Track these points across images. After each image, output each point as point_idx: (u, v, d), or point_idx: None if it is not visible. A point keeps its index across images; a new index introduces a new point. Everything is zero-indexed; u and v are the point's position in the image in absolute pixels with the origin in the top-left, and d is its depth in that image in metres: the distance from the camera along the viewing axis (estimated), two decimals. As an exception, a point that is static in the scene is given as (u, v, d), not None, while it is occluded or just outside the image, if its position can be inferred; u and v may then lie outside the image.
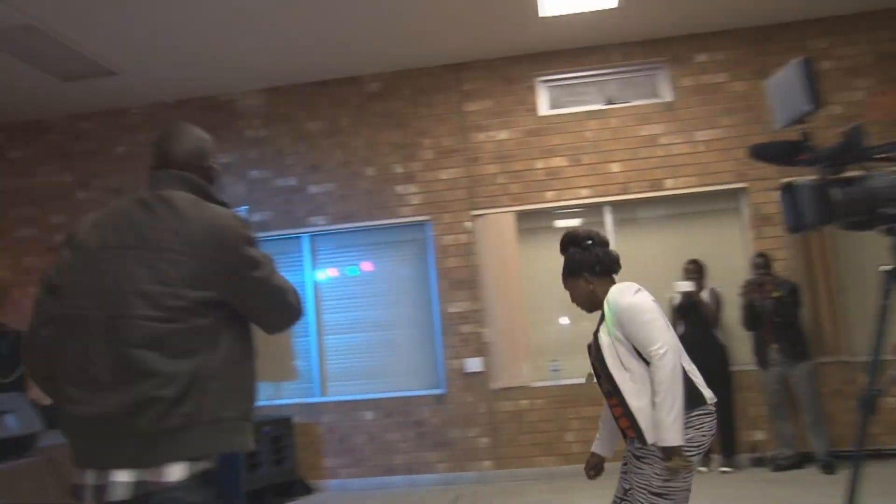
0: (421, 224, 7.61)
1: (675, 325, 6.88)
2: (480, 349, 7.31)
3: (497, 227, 7.38)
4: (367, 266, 7.77)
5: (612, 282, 3.20)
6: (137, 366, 2.03)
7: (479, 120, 7.55)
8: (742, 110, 7.19)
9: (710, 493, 5.92)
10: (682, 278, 6.83)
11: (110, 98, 7.87)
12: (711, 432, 2.99)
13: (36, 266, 8.17)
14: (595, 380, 3.17)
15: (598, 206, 7.39)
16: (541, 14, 6.58)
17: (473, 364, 7.28)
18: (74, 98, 7.77)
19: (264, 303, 2.27)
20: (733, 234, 7.31)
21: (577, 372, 7.26)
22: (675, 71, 7.35)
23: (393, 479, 7.31)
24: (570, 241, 3.25)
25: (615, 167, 7.31)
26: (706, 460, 6.75)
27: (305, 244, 7.76)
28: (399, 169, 7.61)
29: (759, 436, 6.89)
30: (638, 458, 2.97)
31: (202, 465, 2.08)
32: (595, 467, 3.32)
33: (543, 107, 7.53)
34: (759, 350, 6.62)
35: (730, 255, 7.24)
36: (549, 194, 7.39)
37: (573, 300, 3.26)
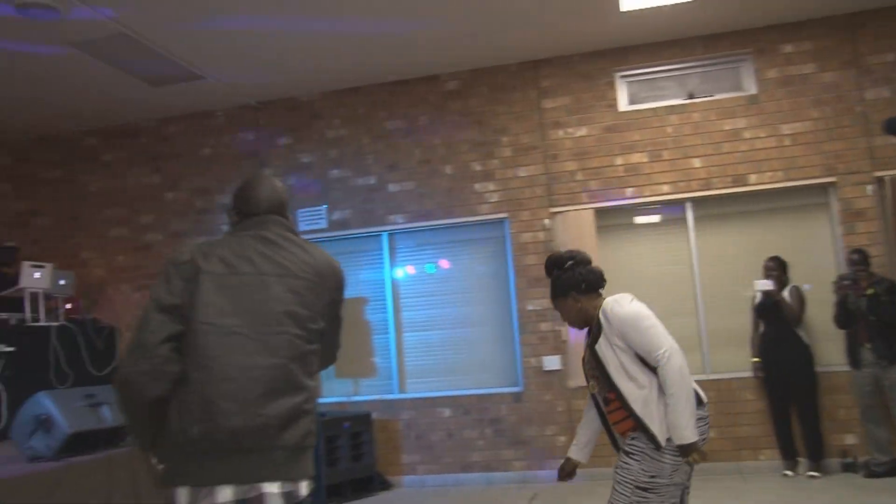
0: (499, 222, 7.61)
1: (755, 325, 6.76)
2: (559, 347, 7.26)
3: (576, 224, 7.32)
4: (444, 263, 7.81)
5: (600, 297, 3.34)
6: (294, 380, 2.26)
7: (558, 117, 7.50)
8: (831, 102, 6.94)
9: (802, 499, 5.73)
10: (763, 276, 6.64)
11: (196, 101, 8.13)
12: (704, 436, 3.10)
13: (127, 265, 8.50)
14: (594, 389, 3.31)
15: (679, 202, 7.25)
16: (622, 8, 6.49)
17: (552, 362, 7.24)
18: (162, 102, 8.06)
19: (336, 340, 2.58)
20: (821, 231, 7.06)
21: (658, 371, 7.13)
22: (759, 63, 7.14)
23: (470, 476, 7.32)
24: (553, 265, 3.40)
25: (697, 162, 7.16)
26: (793, 464, 6.55)
27: (384, 242, 7.85)
28: (477, 167, 7.63)
29: (850, 440, 6.64)
30: (627, 453, 3.10)
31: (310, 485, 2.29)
32: (571, 472, 3.46)
33: (623, 102, 7.43)
34: (851, 349, 6.38)
35: (817, 252, 7.01)
36: (629, 191, 7.29)
37: (564, 319, 3.41)
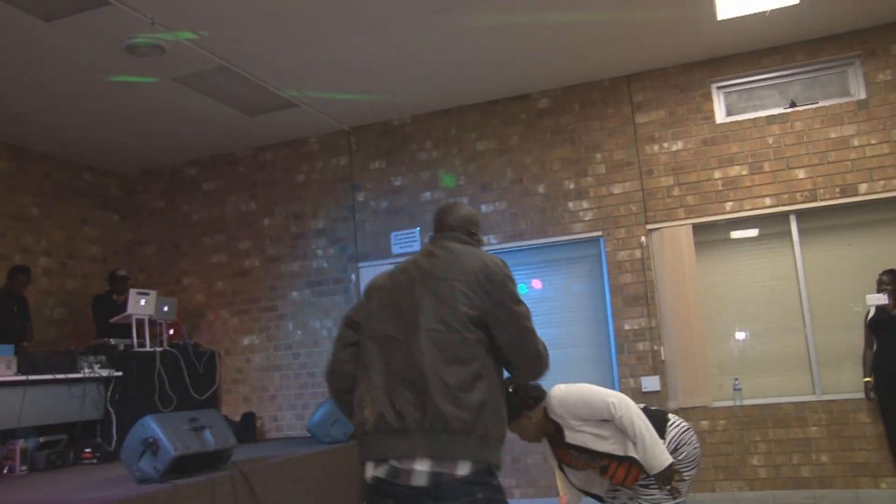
0: (594, 240, 7.47)
1: (868, 342, 6.37)
2: (657, 367, 7.04)
3: (673, 240, 7.11)
4: (538, 284, 7.70)
5: (543, 403, 3.54)
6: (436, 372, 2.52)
7: (652, 131, 7.33)
8: (948, 104, 6.55)
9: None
10: (876, 291, 6.26)
11: (290, 129, 8.31)
12: (697, 442, 3.68)
13: (226, 290, 8.72)
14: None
15: (783, 215, 6.95)
16: (719, 17, 6.30)
17: (650, 383, 7.02)
18: (259, 131, 8.28)
19: (517, 340, 2.64)
20: (940, 242, 6.65)
21: (762, 391, 6.85)
22: (868, 66, 6.80)
23: (570, 501, 7.14)
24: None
25: (801, 173, 6.85)
26: None
27: (477, 263, 7.79)
28: (570, 185, 7.51)
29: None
30: (645, 486, 3.48)
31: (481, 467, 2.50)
32: None
33: (720, 114, 7.20)
34: None
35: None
36: (728, 205, 7.03)
37: (524, 438, 3.59)
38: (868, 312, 6.37)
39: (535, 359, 2.72)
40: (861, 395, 6.44)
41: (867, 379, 6.38)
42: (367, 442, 2.56)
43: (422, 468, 2.46)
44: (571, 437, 3.44)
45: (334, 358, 2.78)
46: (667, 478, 3.33)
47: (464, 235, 2.87)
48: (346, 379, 2.72)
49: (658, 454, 3.33)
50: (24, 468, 6.19)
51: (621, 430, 3.37)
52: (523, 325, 2.65)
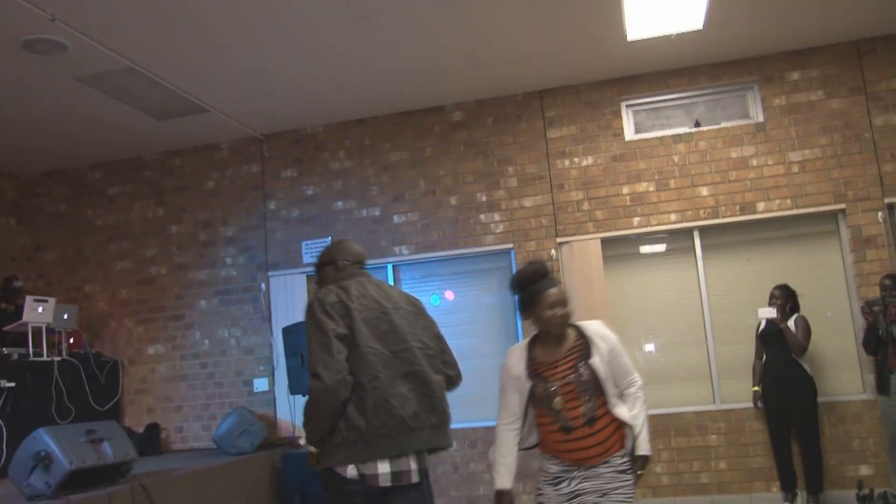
0: (505, 252, 7.55)
1: (759, 354, 6.64)
2: (567, 379, 7.15)
3: (582, 254, 7.26)
4: (450, 295, 7.74)
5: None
6: (431, 381, 3.22)
7: (564, 146, 7.48)
8: (840, 128, 6.90)
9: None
10: (768, 304, 6.51)
11: (200, 134, 8.13)
12: None
13: (131, 298, 8.45)
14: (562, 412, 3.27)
15: (687, 230, 7.20)
16: (629, 38, 6.49)
17: (560, 394, 7.13)
18: (167, 136, 8.07)
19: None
20: (831, 258, 6.98)
21: (667, 401, 7.04)
22: (766, 90, 7.12)
23: (479, 511, 7.19)
24: (548, 272, 3.37)
25: (704, 191, 7.11)
26: (792, 496, 6.40)
27: (389, 274, 7.79)
28: (482, 197, 7.59)
29: (865, 470, 6.50)
30: (622, 471, 3.25)
31: None
32: None
33: (629, 131, 7.41)
34: (880, 376, 6.15)
35: (827, 279, 6.93)
36: (636, 220, 7.23)
37: (566, 320, 3.32)
38: (759, 325, 6.62)
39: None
40: (754, 403, 6.71)
41: (755, 388, 6.64)
42: (393, 436, 3.03)
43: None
44: (598, 365, 3.22)
45: (343, 368, 3.01)
46: (645, 464, 3.27)
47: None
48: (350, 385, 3.03)
49: (649, 439, 3.27)
50: None
51: (629, 405, 3.26)
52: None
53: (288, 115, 7.79)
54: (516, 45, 6.56)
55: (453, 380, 3.47)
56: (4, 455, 6.28)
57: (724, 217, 7.05)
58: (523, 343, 3.44)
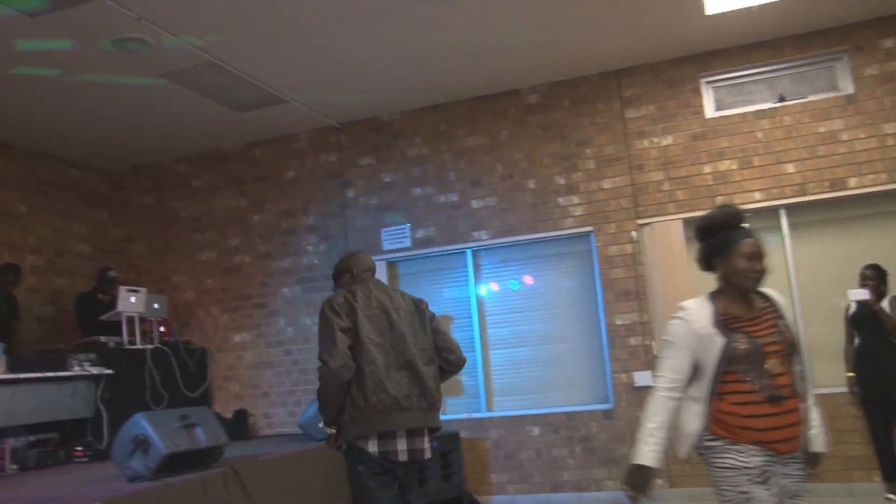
0: (584, 235, 7.47)
1: (849, 337, 6.36)
2: (650, 362, 7.05)
3: (664, 235, 7.12)
4: (529, 279, 7.71)
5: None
6: (421, 369, 3.77)
7: (642, 126, 7.34)
8: (937, 98, 6.58)
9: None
10: (859, 286, 6.18)
11: (279, 125, 8.28)
12: None
13: (216, 287, 8.69)
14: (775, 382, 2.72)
15: (773, 209, 6.97)
16: (707, 12, 6.31)
17: (643, 378, 7.03)
18: (248, 127, 8.24)
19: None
20: (928, 235, 6.68)
21: (756, 386, 6.85)
22: (856, 60, 6.82)
23: (560, 496, 7.16)
24: (744, 218, 2.96)
25: (790, 168, 6.88)
26: (894, 488, 6.13)
27: (468, 259, 7.81)
28: (560, 180, 7.52)
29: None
30: (803, 469, 2.80)
31: None
32: (651, 486, 2.87)
33: (710, 109, 7.22)
34: None
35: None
36: (719, 199, 7.05)
37: (763, 276, 2.89)
38: (849, 307, 6.32)
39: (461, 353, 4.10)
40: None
41: (849, 374, 6.36)
42: (386, 415, 3.59)
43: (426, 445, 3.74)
44: (786, 324, 2.83)
45: (346, 355, 3.59)
46: (818, 464, 2.87)
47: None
48: (352, 370, 3.61)
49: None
50: (14, 467, 6.17)
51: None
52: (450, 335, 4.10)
53: (364, 103, 7.86)
54: (591, 25, 6.46)
55: (452, 363, 3.99)
56: (105, 438, 6.56)
57: (812, 194, 6.81)
58: (701, 297, 2.95)
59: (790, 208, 6.96)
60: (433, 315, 4.01)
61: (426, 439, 3.73)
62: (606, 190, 7.37)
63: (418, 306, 3.96)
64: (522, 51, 6.89)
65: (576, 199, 7.46)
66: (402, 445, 3.63)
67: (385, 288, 3.96)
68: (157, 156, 9.01)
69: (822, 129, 6.83)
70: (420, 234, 7.92)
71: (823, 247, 6.93)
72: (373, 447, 3.60)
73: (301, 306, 8.30)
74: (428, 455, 3.73)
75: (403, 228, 7.96)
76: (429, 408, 3.73)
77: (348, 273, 4.02)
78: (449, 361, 3.97)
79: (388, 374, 3.64)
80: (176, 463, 5.00)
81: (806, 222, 6.98)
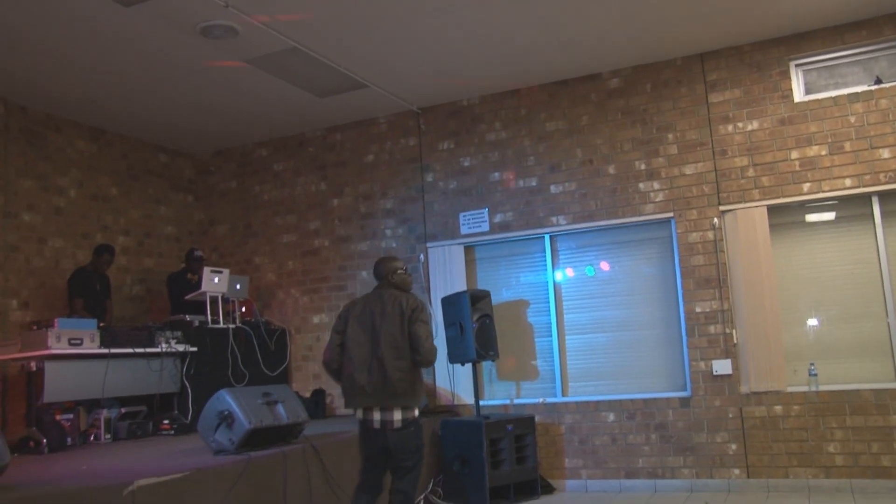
0: (665, 221, 7.35)
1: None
2: (729, 351, 6.92)
3: (747, 222, 6.95)
4: (605, 266, 7.63)
5: None
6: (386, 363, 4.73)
7: (727, 111, 7.16)
8: None
9: None
10: None
11: (360, 110, 8.38)
12: None
13: (296, 269, 8.87)
14: None
15: (864, 196, 6.73)
16: (798, -10, 6.12)
17: (722, 366, 6.91)
18: (328, 112, 8.36)
19: (419, 341, 4.80)
20: None
21: (839, 377, 6.67)
22: (961, 40, 6.51)
23: (635, 482, 7.11)
24: None
25: (885, 153, 6.62)
26: None
27: (546, 244, 7.77)
28: (641, 166, 7.41)
29: None
30: None
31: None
32: None
33: (799, 92, 7.00)
34: None
35: None
36: (806, 186, 6.84)
37: None
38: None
39: (428, 353, 4.78)
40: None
41: None
42: (357, 396, 4.75)
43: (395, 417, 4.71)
44: None
45: (333, 351, 4.89)
46: None
47: (392, 281, 4.97)
48: (336, 363, 4.87)
49: None
50: (108, 436, 6.46)
51: None
52: (423, 337, 4.76)
53: (444, 88, 7.89)
54: (674, 7, 6.32)
55: (419, 362, 4.77)
56: (191, 413, 6.80)
57: (907, 181, 6.54)
58: None
59: (883, 195, 6.70)
60: (414, 320, 4.78)
61: (397, 413, 4.69)
62: (688, 176, 7.23)
63: (403, 313, 4.78)
64: (604, 35, 6.80)
65: (656, 185, 7.34)
66: (377, 416, 4.71)
67: (384, 295, 4.89)
68: (241, 140, 9.23)
69: (920, 113, 6.55)
70: (498, 218, 7.93)
71: (918, 236, 6.66)
72: (358, 415, 4.80)
73: (378, 289, 8.39)
74: (397, 426, 4.69)
75: (482, 213, 7.97)
76: (387, 393, 4.68)
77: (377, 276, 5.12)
78: (417, 360, 4.76)
79: (359, 367, 4.72)
80: (258, 438, 5.16)
81: (900, 210, 6.72)
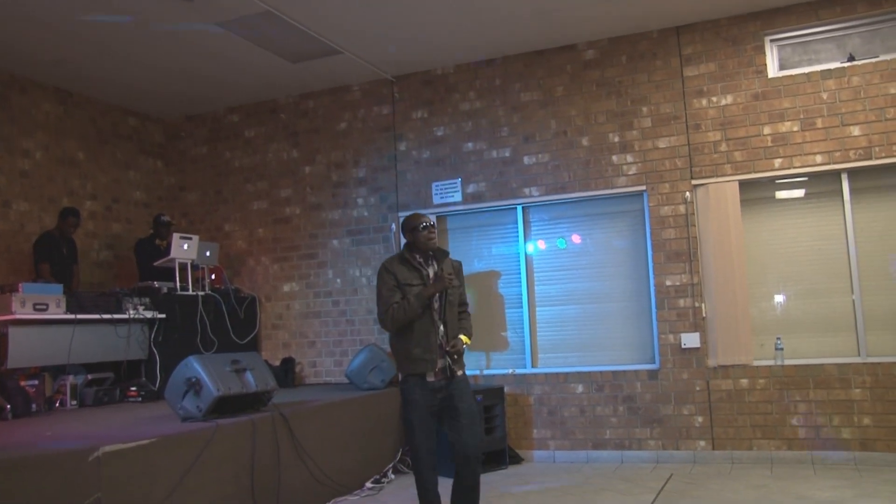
0: (637, 195, 7.37)
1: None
2: (697, 324, 6.99)
3: (718, 197, 6.99)
4: (577, 238, 7.64)
5: None
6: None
7: (701, 85, 7.16)
8: None
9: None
10: None
11: (333, 77, 8.26)
12: None
13: (267, 237, 8.79)
14: None
15: (834, 173, 6.79)
16: (774, -35, 6.10)
17: (690, 339, 6.98)
18: (301, 78, 8.24)
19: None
20: None
21: (805, 351, 6.77)
22: (932, 19, 6.55)
23: (602, 453, 7.19)
24: None
25: (856, 130, 6.67)
26: None
27: (519, 215, 7.76)
28: (615, 138, 7.40)
29: None
30: None
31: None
32: None
33: (773, 68, 7.01)
34: None
35: None
36: (778, 161, 6.88)
37: None
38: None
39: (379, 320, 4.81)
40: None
41: None
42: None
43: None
44: None
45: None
46: None
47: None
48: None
49: None
50: (73, 403, 6.40)
51: None
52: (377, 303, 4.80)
53: (418, 56, 7.80)
54: (655, -22, 6.29)
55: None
56: (158, 380, 6.75)
57: (878, 158, 6.59)
58: None
59: (853, 173, 6.76)
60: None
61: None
62: (661, 149, 7.24)
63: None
64: (581, 5, 6.74)
65: (630, 158, 7.34)
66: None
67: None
68: (212, 105, 9.08)
69: (893, 91, 6.59)
70: (471, 188, 7.90)
71: (887, 213, 6.72)
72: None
73: (349, 258, 8.37)
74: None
75: (455, 183, 7.93)
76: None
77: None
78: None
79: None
80: (226, 405, 5.12)
81: (869, 188, 6.77)
